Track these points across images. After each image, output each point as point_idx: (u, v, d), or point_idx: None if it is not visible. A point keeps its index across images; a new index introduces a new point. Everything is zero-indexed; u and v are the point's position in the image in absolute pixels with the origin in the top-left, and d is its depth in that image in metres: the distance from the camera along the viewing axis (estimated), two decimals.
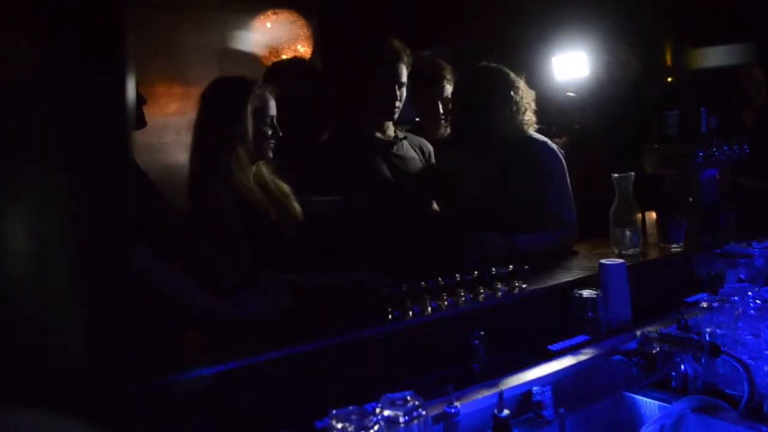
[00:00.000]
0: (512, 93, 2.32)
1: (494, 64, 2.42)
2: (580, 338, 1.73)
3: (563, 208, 2.32)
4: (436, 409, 1.30)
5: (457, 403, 1.30)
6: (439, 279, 1.65)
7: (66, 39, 0.87)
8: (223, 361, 1.29)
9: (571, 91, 3.55)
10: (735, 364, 1.48)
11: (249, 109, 1.97)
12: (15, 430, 0.90)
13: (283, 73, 2.54)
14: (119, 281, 1.20)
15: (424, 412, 1.15)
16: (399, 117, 2.51)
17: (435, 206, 2.57)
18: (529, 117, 2.37)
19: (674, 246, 2.29)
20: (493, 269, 1.74)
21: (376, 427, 1.11)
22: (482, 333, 1.54)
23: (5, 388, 0.93)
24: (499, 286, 1.73)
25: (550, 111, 3.01)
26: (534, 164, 2.33)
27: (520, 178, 2.31)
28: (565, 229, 2.32)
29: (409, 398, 1.15)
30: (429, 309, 1.61)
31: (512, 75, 2.36)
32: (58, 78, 0.91)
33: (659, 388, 1.62)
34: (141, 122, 1.97)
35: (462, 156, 2.46)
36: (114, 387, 1.11)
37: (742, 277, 2.18)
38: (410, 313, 1.58)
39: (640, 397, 1.61)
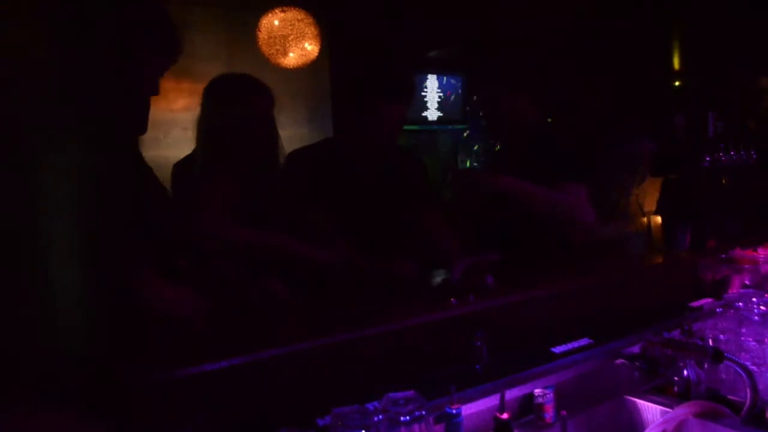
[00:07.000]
0: None
1: None
2: (583, 341, 1.72)
3: None
4: (438, 410, 1.30)
5: (458, 404, 1.30)
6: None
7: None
8: (225, 357, 1.29)
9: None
10: (738, 370, 1.47)
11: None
12: (20, 422, 0.90)
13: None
14: (121, 272, 1.20)
15: (425, 412, 1.15)
16: None
17: None
18: None
19: (679, 250, 2.28)
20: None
21: (377, 427, 1.11)
22: (484, 334, 1.54)
23: (10, 381, 0.93)
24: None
25: None
26: None
27: None
28: None
29: (410, 398, 1.15)
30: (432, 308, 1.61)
31: None
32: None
33: (661, 392, 1.62)
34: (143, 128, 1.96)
35: None
36: (115, 380, 1.11)
37: (747, 282, 2.17)
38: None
39: (642, 401, 1.60)
